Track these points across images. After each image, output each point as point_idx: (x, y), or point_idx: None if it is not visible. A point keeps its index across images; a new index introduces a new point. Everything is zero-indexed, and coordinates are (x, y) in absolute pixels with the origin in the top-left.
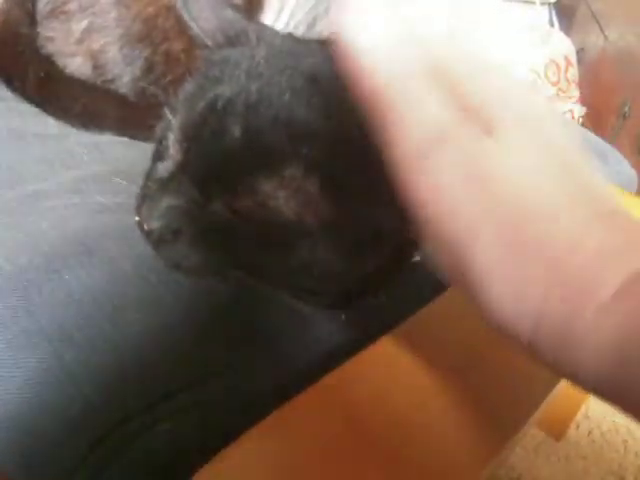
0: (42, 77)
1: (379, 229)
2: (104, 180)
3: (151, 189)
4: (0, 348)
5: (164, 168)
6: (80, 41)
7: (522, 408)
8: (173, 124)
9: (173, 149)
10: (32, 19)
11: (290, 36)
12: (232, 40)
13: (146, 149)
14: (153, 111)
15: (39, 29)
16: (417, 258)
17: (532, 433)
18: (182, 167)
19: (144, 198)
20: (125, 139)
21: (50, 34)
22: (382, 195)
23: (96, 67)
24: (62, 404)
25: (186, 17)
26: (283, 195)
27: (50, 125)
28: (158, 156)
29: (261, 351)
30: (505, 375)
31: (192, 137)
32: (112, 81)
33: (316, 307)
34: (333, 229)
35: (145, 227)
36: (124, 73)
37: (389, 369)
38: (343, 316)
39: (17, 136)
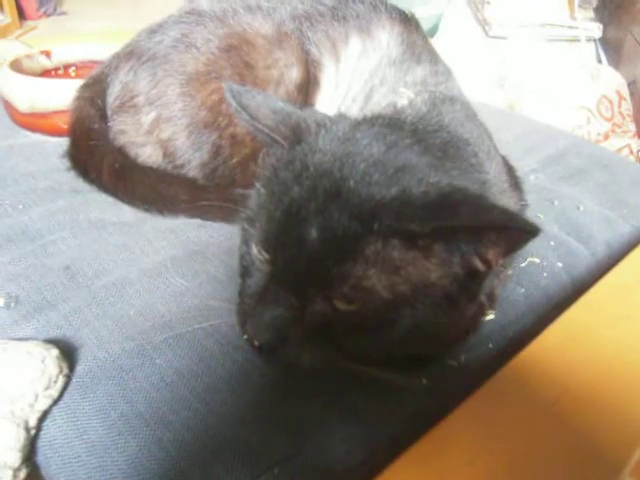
0: (116, 168)
1: (470, 267)
2: (182, 262)
3: (249, 305)
4: (101, 434)
5: (255, 282)
6: (150, 132)
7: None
8: (254, 236)
9: (258, 262)
10: (103, 114)
11: (343, 119)
12: (295, 130)
13: (217, 229)
14: (221, 192)
15: (110, 123)
16: (491, 316)
17: None
18: (273, 278)
19: (245, 315)
20: (197, 221)
21: (121, 127)
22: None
23: (166, 155)
24: None
25: (246, 119)
26: (374, 272)
27: (126, 213)
28: (245, 272)
29: (349, 424)
30: (593, 426)
31: (275, 247)
32: (182, 166)
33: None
34: (423, 288)
35: (255, 343)
36: (193, 158)
37: (478, 429)
38: (424, 381)
39: (97, 227)
